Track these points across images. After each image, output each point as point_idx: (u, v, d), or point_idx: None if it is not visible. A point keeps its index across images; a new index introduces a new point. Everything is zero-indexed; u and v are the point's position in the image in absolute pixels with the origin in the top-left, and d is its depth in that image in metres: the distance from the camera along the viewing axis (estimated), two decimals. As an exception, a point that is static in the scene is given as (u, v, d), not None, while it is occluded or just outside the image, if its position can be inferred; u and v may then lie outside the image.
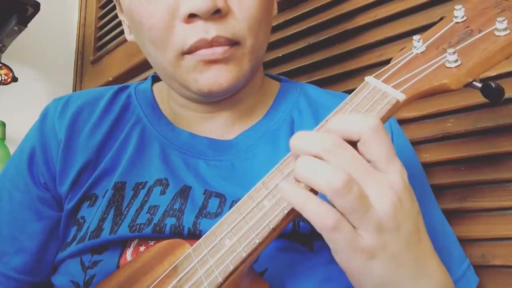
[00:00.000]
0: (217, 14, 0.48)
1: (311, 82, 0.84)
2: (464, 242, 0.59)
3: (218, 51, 0.49)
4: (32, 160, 0.58)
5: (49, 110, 0.61)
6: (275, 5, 0.60)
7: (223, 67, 0.50)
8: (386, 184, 0.34)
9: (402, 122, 0.70)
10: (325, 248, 0.49)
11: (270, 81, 0.65)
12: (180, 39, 0.49)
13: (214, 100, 0.57)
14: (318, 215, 0.34)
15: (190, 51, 0.49)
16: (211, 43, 0.49)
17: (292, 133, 0.57)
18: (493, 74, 0.61)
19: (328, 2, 0.84)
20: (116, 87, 0.64)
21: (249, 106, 0.60)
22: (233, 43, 0.50)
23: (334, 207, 0.34)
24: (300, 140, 0.36)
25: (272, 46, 0.93)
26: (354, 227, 0.34)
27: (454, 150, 0.66)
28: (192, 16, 0.48)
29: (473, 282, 0.54)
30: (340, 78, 0.81)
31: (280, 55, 0.90)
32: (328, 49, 0.83)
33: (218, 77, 0.50)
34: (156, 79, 0.67)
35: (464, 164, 0.65)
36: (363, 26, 0.78)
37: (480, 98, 0.63)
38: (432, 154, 0.68)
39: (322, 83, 0.82)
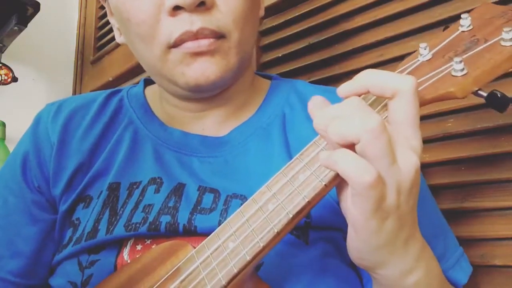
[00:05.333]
0: (202, 6, 0.49)
1: (311, 82, 0.84)
2: (464, 242, 0.59)
3: (203, 43, 0.50)
4: (26, 165, 0.58)
5: (42, 115, 0.61)
6: (262, 7, 0.61)
7: (209, 60, 0.51)
8: (409, 147, 0.35)
9: (402, 122, 0.70)
10: (320, 240, 0.50)
11: (261, 79, 0.66)
12: (166, 33, 0.50)
13: (203, 96, 0.57)
14: (357, 170, 0.33)
15: (176, 44, 0.50)
16: (196, 35, 0.49)
17: (284, 128, 0.57)
18: (493, 74, 0.61)
19: (328, 2, 0.84)
20: (108, 91, 0.65)
21: (240, 104, 0.60)
22: (219, 36, 0.51)
23: None
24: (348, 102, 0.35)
25: (272, 46, 0.93)
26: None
27: (454, 150, 0.66)
28: (177, 9, 0.49)
29: (467, 270, 0.54)
30: (340, 78, 0.81)
31: (280, 55, 0.90)
32: (328, 49, 0.83)
33: (205, 70, 0.51)
34: (148, 82, 0.67)
35: (464, 164, 0.65)
36: (363, 26, 0.78)
37: (480, 98, 0.62)
38: (432, 154, 0.68)
39: (322, 83, 0.82)
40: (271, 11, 0.93)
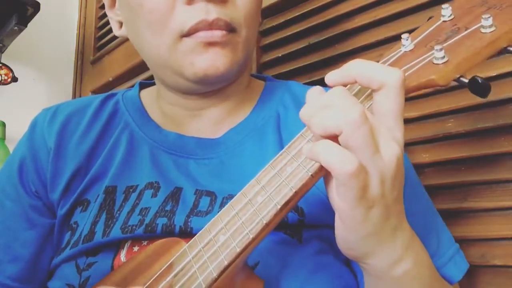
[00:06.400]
0: None
1: (311, 82, 0.84)
2: (464, 242, 0.59)
3: (217, 34, 0.51)
4: (23, 170, 0.58)
5: (38, 120, 0.62)
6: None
7: (220, 51, 0.52)
8: (392, 138, 0.36)
9: (402, 122, 0.70)
10: (313, 238, 0.50)
11: (255, 80, 0.66)
12: (180, 21, 0.51)
13: (205, 90, 0.57)
14: (338, 160, 0.34)
15: (189, 33, 0.51)
16: (211, 25, 0.50)
17: (278, 128, 0.58)
18: (494, 74, 0.61)
19: (328, 2, 0.84)
20: (103, 95, 0.65)
21: (236, 104, 0.61)
22: (231, 29, 0.52)
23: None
24: (333, 94, 0.36)
25: (272, 46, 0.93)
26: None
27: (454, 150, 0.66)
28: None
29: (463, 267, 0.54)
30: (340, 78, 0.81)
31: (280, 55, 0.90)
32: (328, 49, 0.83)
33: (215, 60, 0.51)
34: (143, 85, 0.67)
35: (464, 164, 0.65)
36: (363, 26, 0.78)
37: (480, 98, 0.62)
38: (432, 154, 0.68)
39: (322, 83, 0.82)
40: (271, 11, 0.93)
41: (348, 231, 0.38)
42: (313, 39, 0.85)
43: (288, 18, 0.89)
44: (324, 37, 0.83)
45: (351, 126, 0.34)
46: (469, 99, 0.64)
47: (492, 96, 0.61)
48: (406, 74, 0.39)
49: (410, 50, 0.41)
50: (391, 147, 0.35)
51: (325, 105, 0.36)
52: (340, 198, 0.36)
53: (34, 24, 1.15)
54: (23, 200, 0.58)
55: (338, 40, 0.82)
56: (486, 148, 0.62)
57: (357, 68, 0.37)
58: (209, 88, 0.57)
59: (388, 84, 0.36)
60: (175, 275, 0.41)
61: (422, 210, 0.55)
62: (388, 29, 0.75)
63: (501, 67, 0.61)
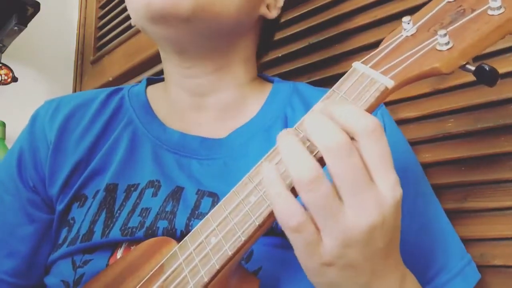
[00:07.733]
0: None
1: (311, 82, 0.84)
2: (464, 242, 0.59)
3: None
4: (21, 163, 0.58)
5: (39, 113, 0.61)
6: (273, 7, 0.61)
7: None
8: (374, 200, 0.32)
9: (402, 122, 0.70)
10: None
11: (263, 82, 0.66)
12: None
13: (168, 34, 0.53)
14: (282, 212, 0.33)
15: None
16: None
17: None
18: (493, 74, 0.61)
19: (328, 2, 0.83)
20: (109, 89, 0.64)
21: (239, 103, 0.60)
22: None
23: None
24: (312, 123, 0.33)
25: (272, 46, 0.93)
26: (318, 229, 0.33)
27: (454, 150, 0.66)
28: None
29: (472, 279, 0.53)
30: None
31: (280, 55, 0.90)
32: (328, 49, 0.83)
33: None
34: (150, 81, 0.67)
35: (464, 164, 0.65)
36: (363, 26, 0.78)
37: (480, 98, 0.63)
38: (432, 154, 0.68)
39: (322, 83, 0.82)
40: (271, 11, 0.93)
41: (307, 276, 0.37)
42: (313, 39, 0.85)
43: (288, 18, 0.89)
44: (324, 37, 0.83)
45: (299, 187, 0.32)
46: (469, 99, 0.64)
47: (492, 96, 0.61)
48: (407, 62, 0.36)
49: (412, 35, 0.38)
50: (365, 214, 0.32)
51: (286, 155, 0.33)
52: (292, 245, 0.35)
53: (34, 24, 1.15)
54: (21, 194, 0.57)
55: (338, 40, 0.82)
56: (486, 148, 0.62)
57: (336, 111, 0.34)
58: (171, 26, 0.51)
59: (357, 134, 0.33)
60: (166, 279, 0.40)
61: (428, 223, 0.53)
62: (388, 29, 0.75)
63: (501, 67, 0.61)
